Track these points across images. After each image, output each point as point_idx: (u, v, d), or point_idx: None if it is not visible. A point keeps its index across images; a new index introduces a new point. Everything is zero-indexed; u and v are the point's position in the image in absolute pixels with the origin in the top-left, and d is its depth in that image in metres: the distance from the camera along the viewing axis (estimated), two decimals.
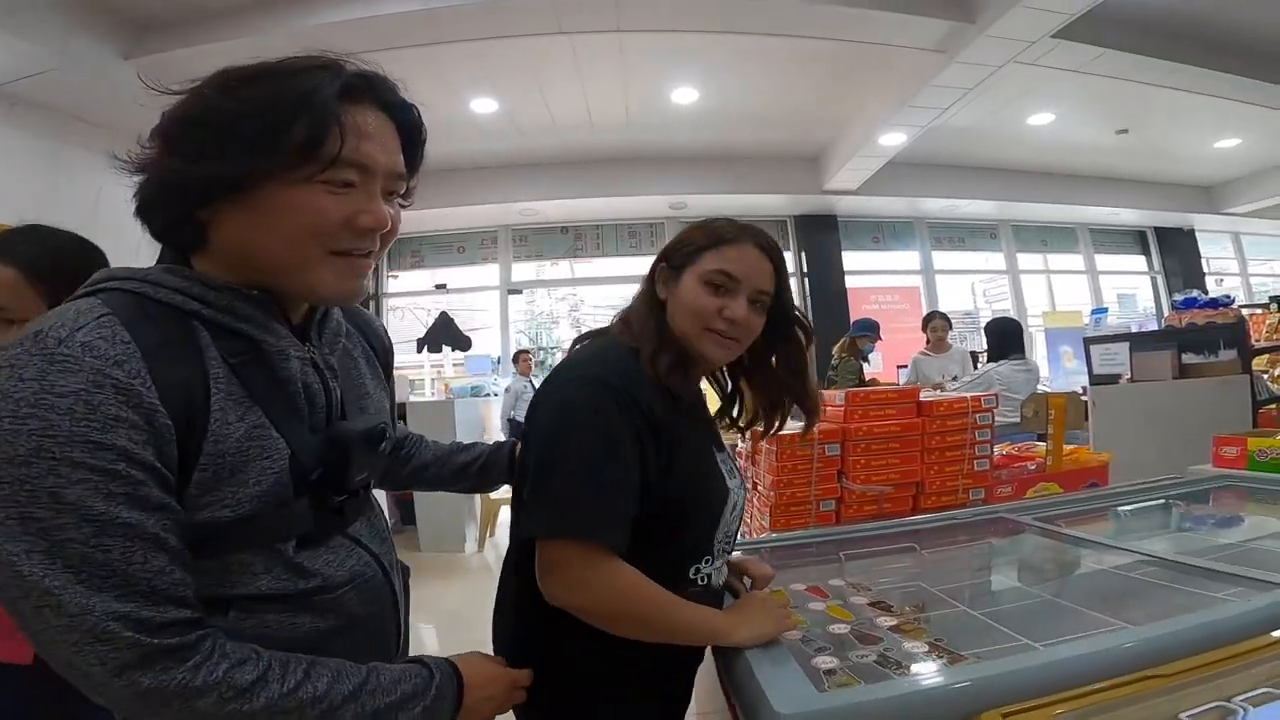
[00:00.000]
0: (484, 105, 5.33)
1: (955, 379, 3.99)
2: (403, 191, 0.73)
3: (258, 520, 0.65)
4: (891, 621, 1.11)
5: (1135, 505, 1.77)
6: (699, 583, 0.98)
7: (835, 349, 4.85)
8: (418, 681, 0.73)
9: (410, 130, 0.72)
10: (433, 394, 7.18)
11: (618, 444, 0.87)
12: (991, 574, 1.55)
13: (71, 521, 0.54)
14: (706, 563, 0.99)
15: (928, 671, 0.90)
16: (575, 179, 6.52)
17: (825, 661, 0.95)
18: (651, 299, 1.03)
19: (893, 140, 5.75)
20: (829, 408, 2.02)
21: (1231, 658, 0.83)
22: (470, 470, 1.19)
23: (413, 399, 6.13)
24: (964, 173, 7.19)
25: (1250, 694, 0.75)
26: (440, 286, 7.50)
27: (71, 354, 0.55)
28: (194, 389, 0.61)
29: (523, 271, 7.61)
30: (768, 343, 1.05)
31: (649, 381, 0.93)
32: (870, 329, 4.77)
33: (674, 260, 1.02)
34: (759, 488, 2.02)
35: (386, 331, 0.99)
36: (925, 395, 2.01)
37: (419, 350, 6.24)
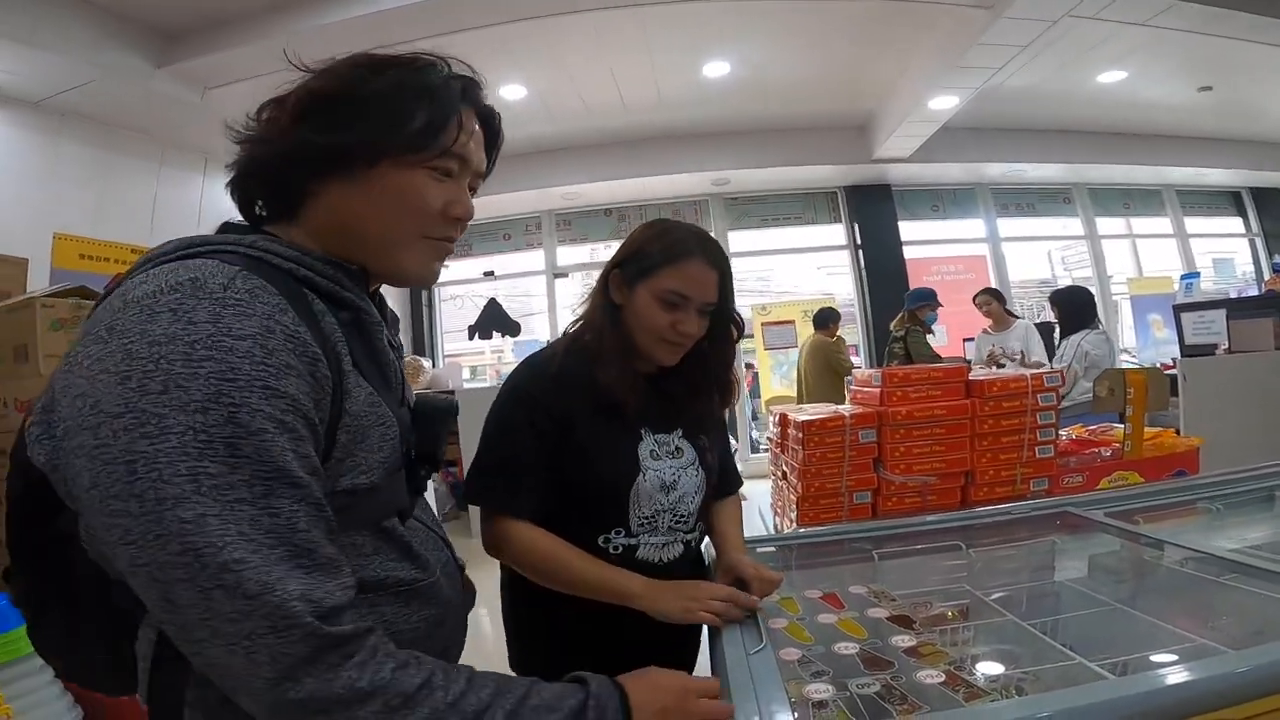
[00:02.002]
0: (513, 92, 5.23)
1: (1020, 355, 3.66)
2: (476, 189, 0.77)
3: (379, 493, 0.65)
4: (909, 642, 0.95)
5: (1230, 498, 1.50)
6: (610, 551, 1.08)
7: (893, 325, 4.58)
8: (575, 703, 0.64)
9: (492, 135, 0.77)
10: (486, 380, 7.27)
11: (513, 431, 1.07)
12: (1050, 577, 1.34)
13: (244, 479, 0.50)
14: (618, 534, 1.09)
15: (932, 713, 0.75)
16: (613, 160, 6.39)
17: (818, 691, 0.83)
18: (608, 307, 1.11)
19: (944, 104, 5.38)
20: (863, 389, 1.81)
21: None
22: None
23: (466, 385, 6.16)
24: (1028, 136, 6.69)
25: None
26: (489, 274, 7.52)
27: (242, 298, 0.54)
28: (328, 350, 0.60)
29: (570, 255, 7.54)
30: (705, 337, 1.12)
31: (554, 377, 1.09)
32: (928, 297, 4.47)
33: (627, 270, 1.10)
34: (788, 477, 1.84)
35: None
36: (976, 374, 1.77)
37: (470, 338, 6.29)
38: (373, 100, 0.64)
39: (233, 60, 4.08)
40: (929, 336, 4.46)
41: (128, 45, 4.00)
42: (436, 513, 0.90)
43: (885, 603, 1.11)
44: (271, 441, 0.52)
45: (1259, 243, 7.89)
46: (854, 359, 5.89)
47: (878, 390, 1.71)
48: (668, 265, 1.06)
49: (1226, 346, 3.85)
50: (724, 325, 1.15)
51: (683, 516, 1.14)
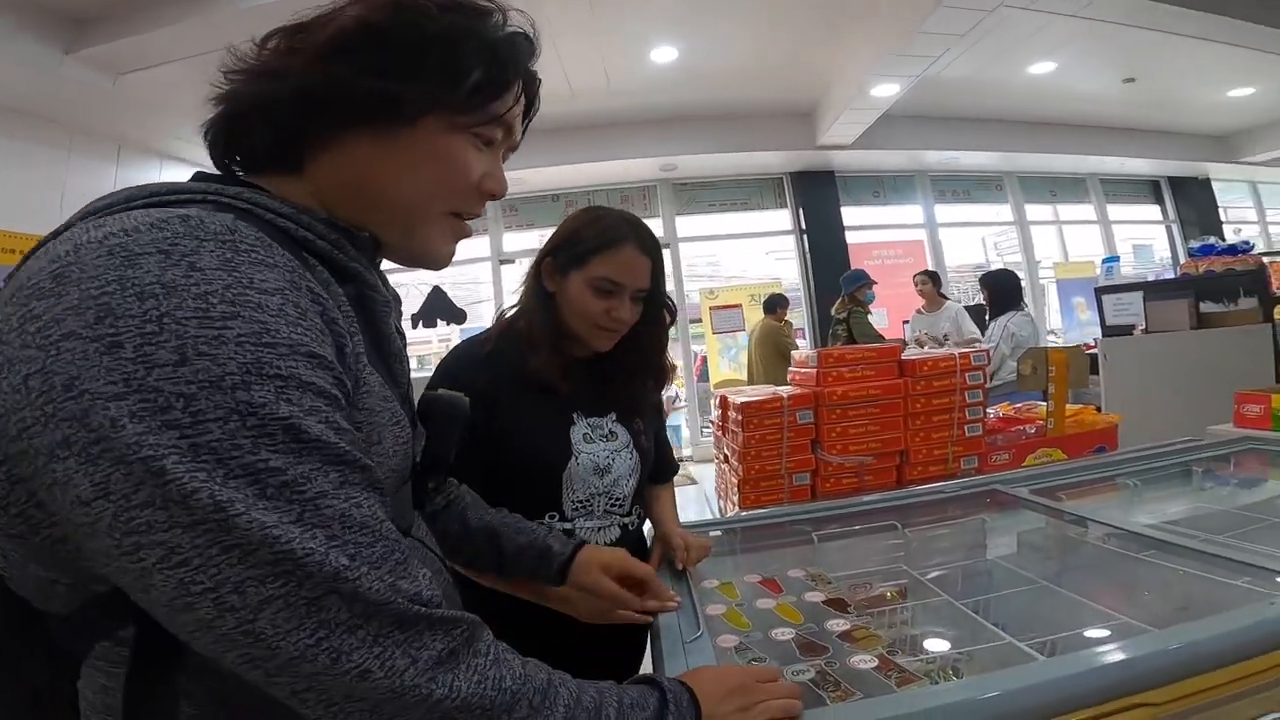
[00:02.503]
0: None
1: (947, 337, 3.78)
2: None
3: (387, 509, 0.53)
4: (844, 626, 0.94)
5: (1147, 474, 1.55)
6: None
7: (834, 309, 4.67)
8: (656, 700, 0.59)
9: (529, 103, 0.65)
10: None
11: None
12: (982, 555, 1.35)
13: (316, 468, 0.41)
14: (553, 518, 1.09)
15: (864, 700, 0.73)
16: (561, 145, 6.24)
17: None
18: (541, 294, 1.10)
19: (886, 91, 5.44)
20: (800, 370, 1.80)
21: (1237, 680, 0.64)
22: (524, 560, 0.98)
23: (414, 375, 5.98)
24: (964, 125, 6.85)
25: None
26: None
27: (255, 244, 0.43)
28: (345, 323, 0.50)
29: (516, 241, 7.37)
30: (639, 322, 1.11)
31: (484, 359, 1.09)
32: (861, 279, 4.56)
33: (560, 258, 1.08)
34: (729, 460, 1.82)
35: None
36: (908, 354, 1.78)
37: (414, 326, 6.10)
38: (435, 44, 0.54)
39: (148, 44, 3.79)
40: (870, 316, 4.54)
41: (34, 31, 3.71)
42: None
43: (822, 586, 1.10)
44: (329, 420, 0.43)
45: (1175, 229, 8.30)
46: (800, 343, 5.97)
47: (814, 371, 1.71)
48: (601, 253, 1.05)
49: (1144, 327, 4.03)
50: (657, 310, 1.15)
51: (618, 500, 1.13)
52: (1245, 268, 3.87)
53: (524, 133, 0.67)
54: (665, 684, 0.61)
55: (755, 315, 5.99)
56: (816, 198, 7.15)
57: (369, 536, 0.43)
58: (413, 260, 0.62)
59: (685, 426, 6.81)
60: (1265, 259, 4.20)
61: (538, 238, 7.38)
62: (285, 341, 0.41)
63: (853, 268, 6.23)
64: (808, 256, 7.10)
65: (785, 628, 0.95)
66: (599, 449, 1.12)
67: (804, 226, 7.16)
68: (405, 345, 0.68)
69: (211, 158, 0.57)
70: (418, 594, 0.45)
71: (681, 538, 1.16)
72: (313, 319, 0.44)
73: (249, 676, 0.41)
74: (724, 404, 1.84)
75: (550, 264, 1.10)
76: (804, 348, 6.02)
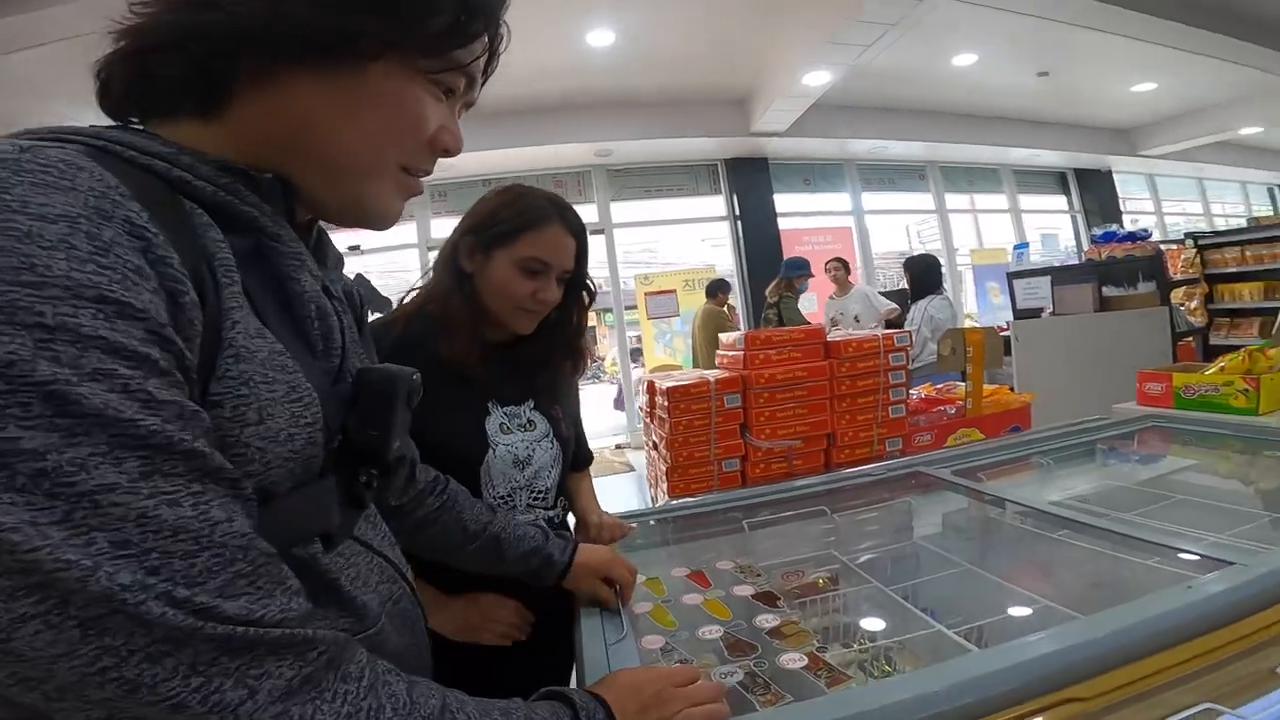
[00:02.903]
0: None
1: (857, 318, 3.96)
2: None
3: (283, 505, 0.45)
4: (773, 622, 0.91)
5: (1059, 453, 1.59)
6: None
7: (769, 291, 4.73)
8: None
9: (490, 56, 0.58)
10: None
11: None
12: (909, 538, 1.35)
13: (101, 452, 0.32)
14: None
15: (793, 704, 0.70)
16: (492, 129, 6.02)
17: None
18: (458, 275, 1.03)
19: (818, 80, 5.48)
20: (728, 353, 1.76)
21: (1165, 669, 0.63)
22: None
23: None
24: (892, 115, 7.00)
25: (1188, 712, 0.57)
26: (354, 249, 6.95)
27: (52, 166, 0.35)
28: (203, 273, 0.41)
29: (445, 228, 7.07)
30: (558, 304, 1.07)
31: (389, 346, 0.95)
32: (803, 268, 4.65)
33: (483, 236, 1.02)
34: (658, 448, 1.77)
35: None
36: (833, 336, 1.77)
37: None
38: None
39: (34, 23, 3.44)
40: (800, 303, 4.64)
41: None
42: None
43: (751, 579, 1.07)
44: (131, 389, 0.34)
45: (1079, 219, 8.79)
46: (741, 327, 6.02)
47: (742, 353, 1.67)
48: (528, 231, 1.00)
49: (1052, 310, 4.24)
50: (577, 292, 1.11)
51: (540, 492, 1.08)
52: (1144, 254, 4.10)
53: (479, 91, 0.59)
54: (577, 699, 0.55)
55: (691, 300, 5.99)
56: (750, 184, 7.18)
57: (187, 544, 0.34)
58: (355, 218, 0.54)
59: (625, 414, 6.78)
60: (1162, 246, 4.45)
61: None
62: (59, 281, 0.32)
63: (785, 255, 6.35)
64: (741, 242, 7.14)
65: (713, 625, 0.92)
66: (517, 440, 1.05)
67: (738, 213, 7.19)
68: (353, 312, 0.59)
69: (102, 107, 0.48)
70: (254, 615, 0.36)
71: (598, 517, 1.20)
72: (123, 256, 0.35)
73: (27, 699, 0.33)
74: (651, 389, 1.78)
75: (471, 243, 1.03)
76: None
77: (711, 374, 1.71)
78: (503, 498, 1.04)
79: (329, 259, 0.58)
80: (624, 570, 0.97)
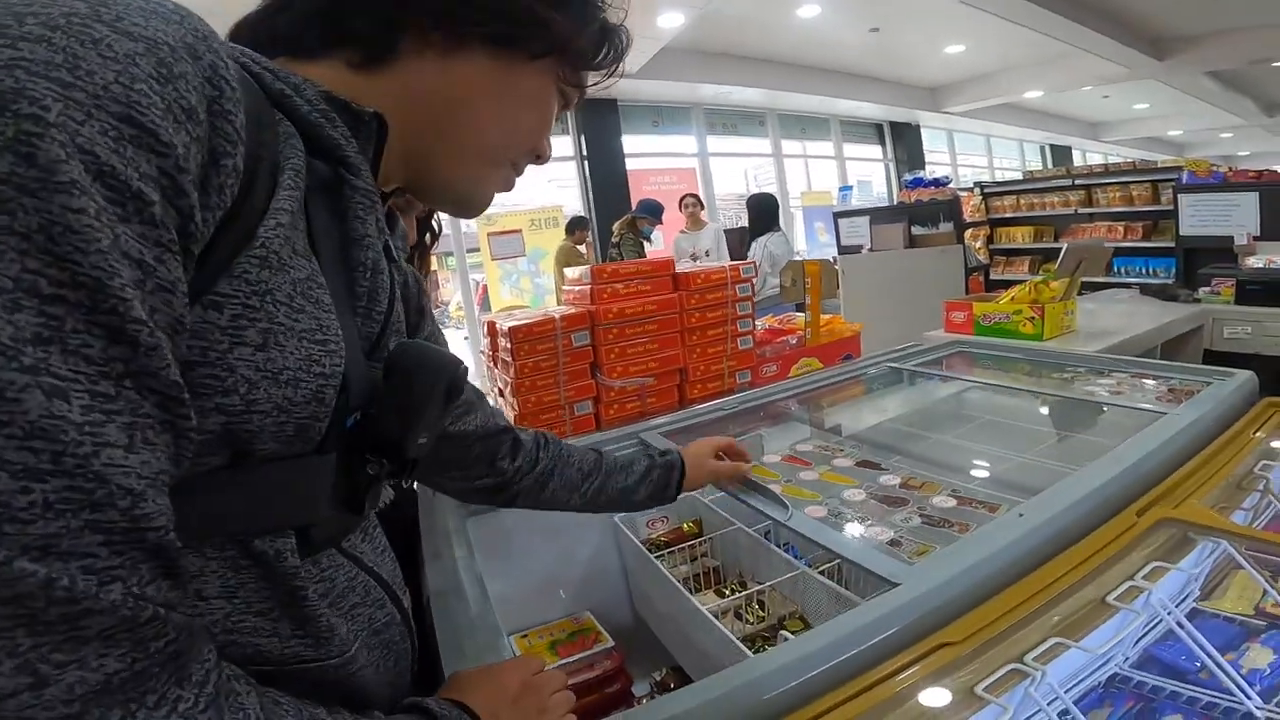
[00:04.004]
0: None
1: (708, 253, 4.02)
2: None
3: (252, 473, 0.36)
4: None
5: (884, 379, 1.67)
6: None
7: (615, 226, 4.62)
8: None
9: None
10: None
11: None
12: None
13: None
14: None
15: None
16: None
17: None
18: None
19: (671, 22, 5.36)
20: (574, 288, 1.62)
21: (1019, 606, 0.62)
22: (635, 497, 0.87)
23: None
24: (738, 62, 7.05)
25: (1041, 648, 0.58)
26: None
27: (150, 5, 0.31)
28: (261, 168, 0.35)
29: None
30: None
31: None
32: (653, 212, 4.58)
33: None
34: (504, 394, 1.61)
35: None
36: (680, 268, 1.69)
37: None
38: None
39: None
40: (648, 244, 4.58)
41: None
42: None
43: None
44: (91, 220, 0.26)
45: (891, 167, 9.55)
46: None
47: (589, 288, 1.54)
48: None
49: (870, 246, 4.57)
50: (421, 235, 1.06)
51: None
52: (944, 198, 4.51)
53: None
54: (436, 709, 0.48)
55: (537, 240, 5.75)
56: (599, 125, 6.96)
57: (39, 457, 0.25)
58: (455, 201, 0.54)
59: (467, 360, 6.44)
60: (960, 193, 4.92)
61: None
62: (90, 88, 0.27)
63: (632, 195, 6.26)
64: (588, 181, 6.94)
65: None
66: None
67: (585, 153, 6.95)
68: (403, 278, 0.55)
69: (237, 38, 0.46)
70: (80, 590, 0.26)
71: None
72: (182, 91, 0.30)
73: None
74: (492, 330, 1.60)
75: None
76: None
77: (557, 311, 1.57)
78: None
79: (397, 229, 0.56)
80: (727, 441, 0.95)
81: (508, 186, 0.55)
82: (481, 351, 1.81)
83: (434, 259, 1.13)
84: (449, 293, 7.33)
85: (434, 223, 1.08)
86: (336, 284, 0.42)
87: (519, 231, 6.24)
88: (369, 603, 0.47)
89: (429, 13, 0.44)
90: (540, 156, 0.55)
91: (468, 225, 6.42)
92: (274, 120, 0.39)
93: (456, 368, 0.48)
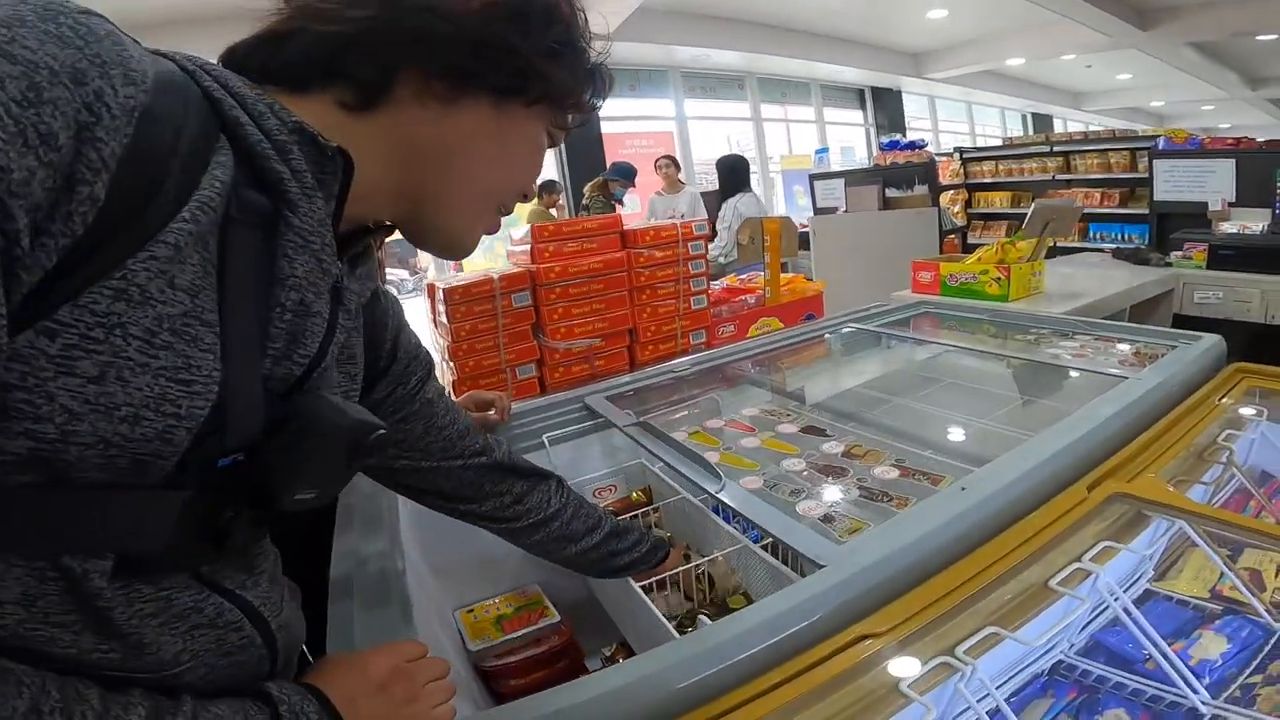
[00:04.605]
0: None
1: (684, 217, 3.88)
2: None
3: (66, 496, 0.35)
4: None
5: (847, 339, 1.57)
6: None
7: (586, 189, 4.48)
8: None
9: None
10: None
11: None
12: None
13: None
14: None
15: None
16: None
17: None
18: None
19: None
20: (516, 249, 1.51)
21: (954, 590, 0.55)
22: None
23: None
24: (715, 23, 6.81)
25: (975, 638, 0.52)
26: None
27: (74, 22, 0.32)
28: (162, 194, 0.35)
29: None
30: None
31: None
32: (625, 174, 4.43)
33: None
34: (444, 359, 1.50)
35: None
36: (629, 225, 1.58)
37: None
38: (580, 32, 0.51)
39: None
40: (620, 207, 4.43)
41: None
42: None
43: None
44: None
45: (872, 133, 9.38)
46: None
47: (529, 247, 1.43)
48: None
49: (844, 208, 4.48)
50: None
51: None
52: (919, 160, 4.40)
53: None
54: (276, 694, 0.44)
55: None
56: None
57: None
58: (444, 244, 0.54)
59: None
60: (937, 158, 4.81)
61: None
62: None
63: (606, 156, 6.07)
64: (563, 145, 6.72)
65: None
66: None
67: None
68: (353, 322, 0.54)
69: (227, 63, 0.45)
70: None
71: None
72: (44, 117, 0.30)
73: None
74: (431, 293, 1.49)
75: None
76: None
77: (496, 270, 1.45)
78: None
79: (361, 270, 0.54)
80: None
81: (495, 229, 0.56)
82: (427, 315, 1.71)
83: None
84: (426, 260, 7.14)
85: None
86: (243, 323, 0.40)
87: None
88: (220, 625, 0.44)
89: (435, 62, 0.45)
90: (527, 196, 0.56)
91: None
92: (207, 149, 0.38)
93: (357, 431, 0.46)
